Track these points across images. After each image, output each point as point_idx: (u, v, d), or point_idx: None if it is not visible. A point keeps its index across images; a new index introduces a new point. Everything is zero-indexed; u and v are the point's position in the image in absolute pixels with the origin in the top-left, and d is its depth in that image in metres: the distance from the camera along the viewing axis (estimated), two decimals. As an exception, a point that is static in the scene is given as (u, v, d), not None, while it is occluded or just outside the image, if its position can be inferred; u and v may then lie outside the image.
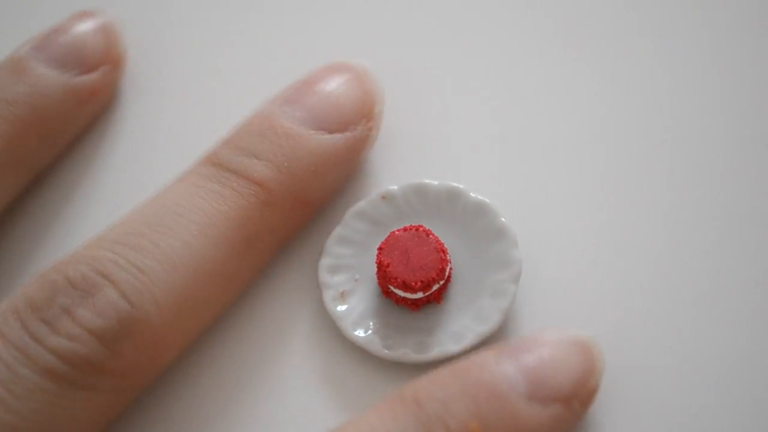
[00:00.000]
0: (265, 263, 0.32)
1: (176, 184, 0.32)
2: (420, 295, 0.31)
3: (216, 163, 0.32)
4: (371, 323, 0.32)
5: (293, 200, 0.32)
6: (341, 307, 0.32)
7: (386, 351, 0.31)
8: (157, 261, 0.29)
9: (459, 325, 0.31)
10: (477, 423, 0.27)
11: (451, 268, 0.32)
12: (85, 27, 0.36)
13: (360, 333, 0.31)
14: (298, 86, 0.34)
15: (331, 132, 0.32)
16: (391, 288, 0.31)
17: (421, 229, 0.31)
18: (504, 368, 0.28)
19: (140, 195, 0.33)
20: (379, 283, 0.32)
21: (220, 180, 0.31)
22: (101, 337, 0.28)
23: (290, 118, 0.32)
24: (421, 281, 0.31)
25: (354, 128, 0.33)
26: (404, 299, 0.31)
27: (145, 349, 0.29)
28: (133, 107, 0.37)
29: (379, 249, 0.31)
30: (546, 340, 0.29)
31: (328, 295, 0.32)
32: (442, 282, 0.31)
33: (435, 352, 0.31)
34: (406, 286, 0.31)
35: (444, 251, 0.31)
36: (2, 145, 0.33)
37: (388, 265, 0.31)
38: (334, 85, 0.33)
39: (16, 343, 0.28)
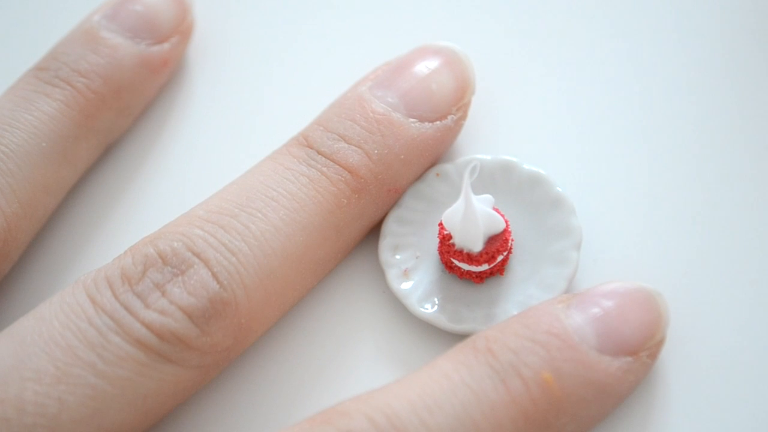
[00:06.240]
0: (351, 248, 0.33)
1: (266, 163, 0.32)
2: (485, 267, 0.31)
3: (306, 144, 0.32)
4: (436, 299, 0.32)
5: (381, 187, 0.32)
6: (406, 285, 0.32)
7: (454, 325, 0.31)
8: (247, 244, 0.29)
9: (524, 294, 0.31)
10: (549, 373, 0.28)
11: (512, 240, 0.32)
12: None
13: (426, 309, 0.32)
14: (390, 69, 0.33)
15: (422, 120, 0.32)
16: (455, 262, 0.31)
17: (480, 201, 0.32)
18: (574, 320, 0.29)
19: (210, 165, 0.33)
20: (442, 259, 0.32)
21: (310, 163, 0.31)
22: (191, 315, 0.28)
23: (381, 103, 0.32)
24: (486, 253, 0.31)
25: (445, 118, 0.33)
26: (468, 272, 0.32)
27: (231, 330, 0.29)
28: (198, 77, 0.37)
29: (441, 224, 0.32)
30: (612, 291, 0.29)
31: (391, 274, 0.32)
32: (505, 253, 0.31)
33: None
34: (470, 259, 0.31)
35: (505, 222, 0.32)
36: (76, 118, 0.33)
37: (451, 239, 0.31)
38: (426, 71, 0.33)
39: (109, 311, 0.28)
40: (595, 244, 0.33)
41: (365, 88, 0.33)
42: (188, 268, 0.29)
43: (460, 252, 0.31)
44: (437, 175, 0.33)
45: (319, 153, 0.32)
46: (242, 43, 0.38)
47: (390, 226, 0.33)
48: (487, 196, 0.31)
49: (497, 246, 0.31)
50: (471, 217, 0.30)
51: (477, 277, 0.32)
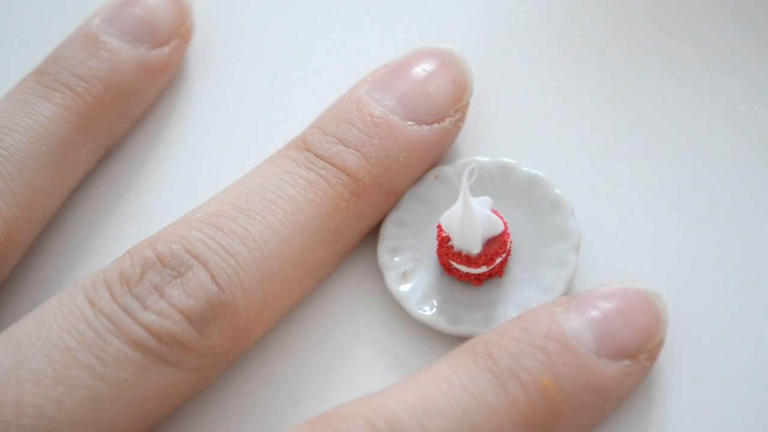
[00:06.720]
0: (349, 251, 0.33)
1: (265, 166, 0.32)
2: (483, 269, 0.31)
3: (305, 148, 0.32)
4: (435, 301, 0.32)
5: (380, 190, 0.32)
6: (404, 287, 0.32)
7: (453, 327, 0.31)
8: (245, 246, 0.29)
9: (522, 297, 0.31)
10: (549, 377, 0.28)
11: (511, 242, 0.32)
12: None
13: (425, 311, 0.32)
14: (387, 72, 0.33)
15: (419, 123, 0.32)
16: (454, 264, 0.31)
17: (479, 203, 0.32)
18: (572, 323, 0.29)
19: (209, 169, 0.34)
20: (441, 261, 0.32)
21: (309, 166, 0.31)
22: (190, 317, 0.28)
23: (379, 106, 0.32)
24: (485, 255, 0.31)
25: (443, 120, 0.33)
26: (467, 275, 0.32)
27: (229, 332, 0.29)
28: (198, 80, 0.37)
29: (440, 226, 0.32)
30: (610, 293, 0.29)
31: (390, 277, 0.32)
32: (504, 255, 0.31)
33: (502, 325, 0.31)
34: (469, 261, 0.31)
35: (504, 224, 0.32)
36: (76, 122, 0.34)
37: (450, 241, 0.31)
38: (424, 73, 0.33)
39: (107, 313, 0.28)
40: (594, 245, 0.33)
41: (363, 91, 0.33)
42: (187, 271, 0.29)
43: (459, 254, 0.31)
44: (436, 177, 0.33)
45: (317, 156, 0.32)
46: (242, 46, 0.38)
47: (389, 229, 0.33)
48: (486, 198, 0.31)
49: (496, 248, 0.31)
50: (469, 219, 0.30)
51: (476, 279, 0.32)
